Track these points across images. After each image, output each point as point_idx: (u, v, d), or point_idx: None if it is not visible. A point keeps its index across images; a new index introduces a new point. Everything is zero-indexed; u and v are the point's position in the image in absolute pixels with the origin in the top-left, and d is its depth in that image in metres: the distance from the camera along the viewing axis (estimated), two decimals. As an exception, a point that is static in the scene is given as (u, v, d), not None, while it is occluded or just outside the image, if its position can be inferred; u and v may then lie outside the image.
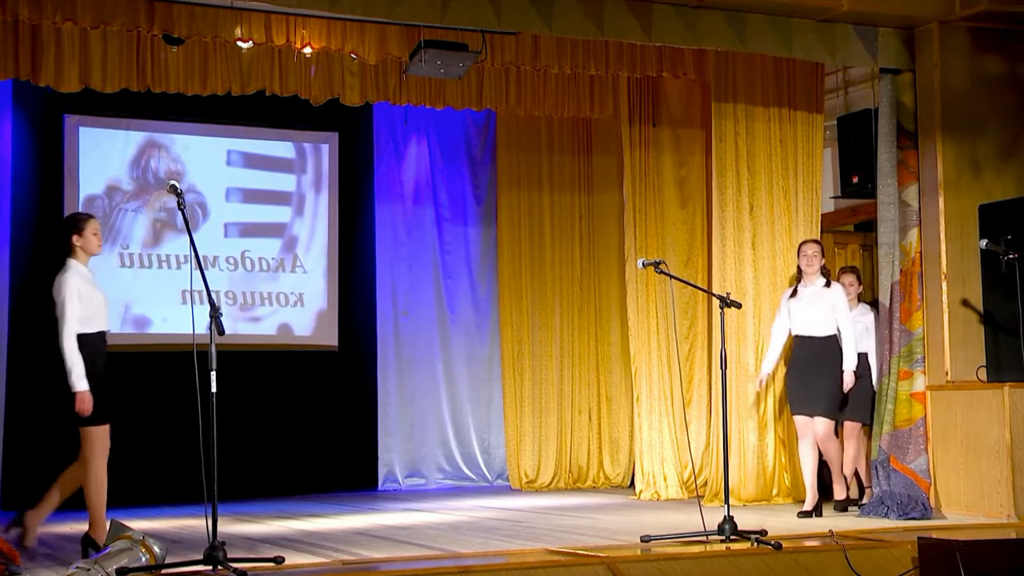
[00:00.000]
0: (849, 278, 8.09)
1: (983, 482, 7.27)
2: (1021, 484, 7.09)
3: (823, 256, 7.79)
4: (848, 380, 7.60)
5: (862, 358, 7.91)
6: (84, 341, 6.05)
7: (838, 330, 7.66)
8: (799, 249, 7.83)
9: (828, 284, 7.71)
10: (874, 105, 8.48)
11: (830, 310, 7.64)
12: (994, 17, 7.63)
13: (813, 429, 7.61)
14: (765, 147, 8.67)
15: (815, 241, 7.93)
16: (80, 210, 9.64)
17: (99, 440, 6.13)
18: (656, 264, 6.46)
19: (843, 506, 7.79)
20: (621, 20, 7.13)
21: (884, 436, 7.71)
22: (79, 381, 5.95)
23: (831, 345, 7.64)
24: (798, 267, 7.81)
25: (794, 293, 7.80)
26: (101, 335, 6.17)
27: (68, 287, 6.05)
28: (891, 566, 5.56)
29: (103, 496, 6.15)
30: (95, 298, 6.17)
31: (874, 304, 8.23)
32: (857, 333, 7.81)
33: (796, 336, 7.77)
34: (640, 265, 6.56)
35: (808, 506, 7.59)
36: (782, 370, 8.14)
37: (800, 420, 7.69)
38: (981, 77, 7.81)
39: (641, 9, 7.15)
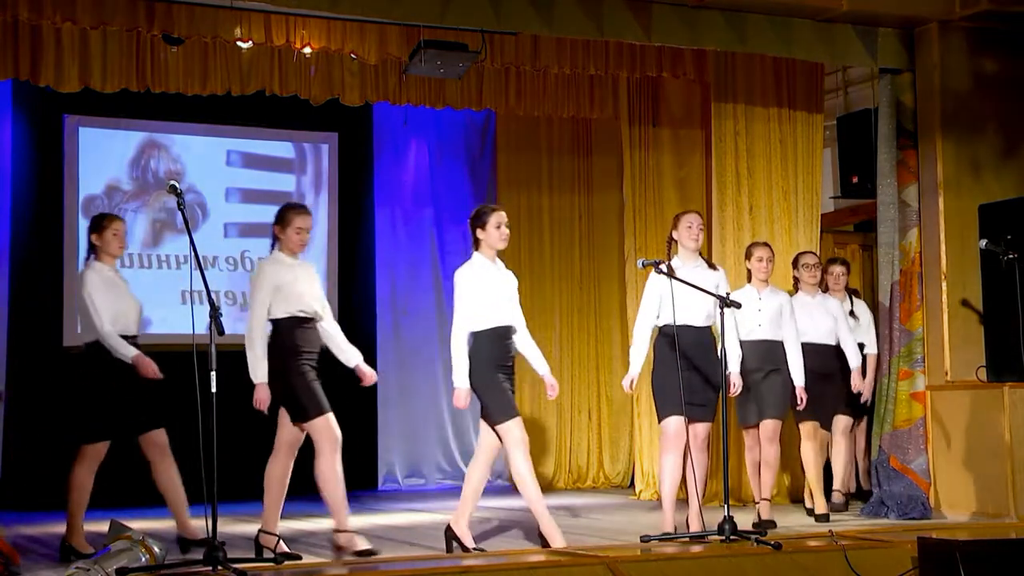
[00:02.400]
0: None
1: (983, 482, 7.27)
2: (1021, 484, 7.09)
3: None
4: (736, 382, 6.49)
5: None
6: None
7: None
8: (677, 220, 6.63)
9: (712, 266, 6.66)
10: (874, 105, 8.48)
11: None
12: (994, 17, 7.63)
13: (695, 433, 6.42)
14: (765, 147, 8.66)
15: (698, 213, 6.69)
16: (77, 210, 9.66)
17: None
18: (656, 264, 6.43)
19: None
20: (621, 20, 7.13)
21: (884, 436, 7.71)
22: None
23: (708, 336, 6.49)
24: (677, 240, 6.62)
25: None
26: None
27: (466, 279, 6.09)
28: (891, 566, 5.55)
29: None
30: (499, 289, 6.24)
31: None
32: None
33: (676, 325, 6.32)
34: (640, 265, 6.49)
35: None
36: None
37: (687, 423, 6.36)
38: (981, 77, 7.81)
39: (641, 9, 7.15)
